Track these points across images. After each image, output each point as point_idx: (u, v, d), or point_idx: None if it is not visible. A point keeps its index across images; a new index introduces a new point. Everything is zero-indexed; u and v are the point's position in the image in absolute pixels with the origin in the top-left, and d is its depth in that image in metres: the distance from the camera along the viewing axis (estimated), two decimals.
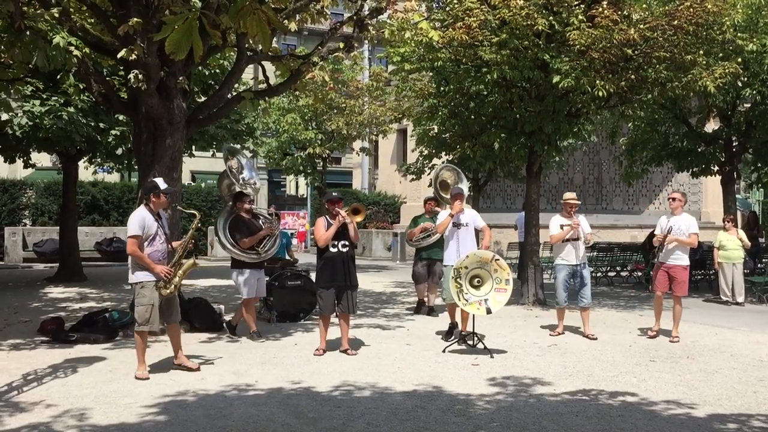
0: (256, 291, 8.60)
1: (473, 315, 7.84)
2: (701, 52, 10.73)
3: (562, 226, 8.81)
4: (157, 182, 6.74)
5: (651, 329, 8.93)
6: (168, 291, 6.51)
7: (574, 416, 5.34)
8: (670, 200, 8.98)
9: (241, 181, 9.03)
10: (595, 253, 15.62)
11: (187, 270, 6.68)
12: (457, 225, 8.31)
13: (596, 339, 8.59)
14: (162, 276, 6.44)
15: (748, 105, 14.26)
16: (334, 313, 7.73)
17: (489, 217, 21.71)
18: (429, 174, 16.26)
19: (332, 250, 7.57)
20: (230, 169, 9.00)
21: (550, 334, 8.79)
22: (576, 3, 10.35)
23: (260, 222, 8.83)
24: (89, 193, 23.20)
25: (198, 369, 6.68)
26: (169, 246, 6.68)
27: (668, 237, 8.66)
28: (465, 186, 9.97)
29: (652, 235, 15.95)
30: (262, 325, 9.51)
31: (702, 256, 15.63)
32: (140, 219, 6.46)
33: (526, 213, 12.28)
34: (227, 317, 9.42)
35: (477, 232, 8.64)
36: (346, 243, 7.61)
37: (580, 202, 9.06)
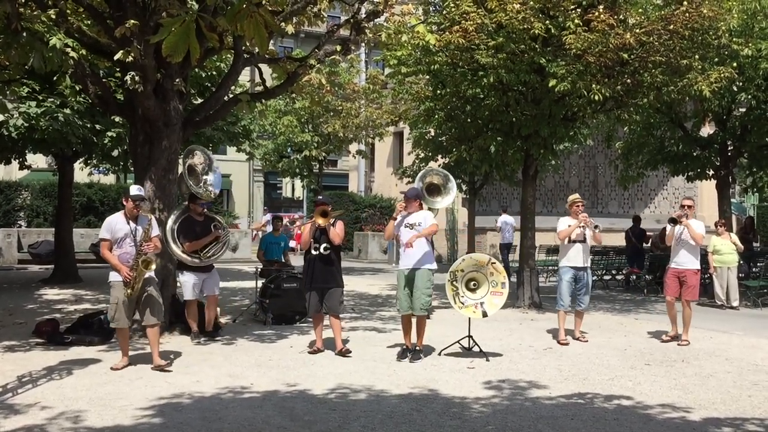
0: (207, 290, 8.52)
1: (469, 318, 7.85)
2: (697, 56, 10.77)
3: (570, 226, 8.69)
4: (130, 188, 7.07)
5: (666, 334, 8.92)
6: (128, 292, 6.75)
7: (570, 420, 5.34)
8: (687, 208, 8.86)
9: (202, 183, 8.66)
10: (590, 256, 15.62)
11: (140, 275, 6.76)
12: (408, 226, 7.62)
13: (587, 341, 8.58)
14: (123, 276, 6.73)
15: (744, 109, 14.32)
16: (321, 314, 7.81)
17: (485, 220, 21.91)
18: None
19: (313, 252, 7.71)
20: (190, 169, 8.64)
21: (559, 342, 8.52)
22: (572, 7, 10.37)
23: (212, 226, 8.54)
24: (85, 195, 23.18)
25: (169, 363, 6.81)
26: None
27: (684, 221, 8.65)
28: (453, 190, 9.67)
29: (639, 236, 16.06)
30: (257, 326, 9.52)
31: None
32: (107, 223, 6.95)
33: (522, 216, 12.26)
34: (222, 320, 9.45)
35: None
36: (328, 246, 7.69)
37: (584, 201, 8.92)
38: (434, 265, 7.62)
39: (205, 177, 8.77)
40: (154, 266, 6.88)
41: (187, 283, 8.42)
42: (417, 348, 7.59)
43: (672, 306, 8.94)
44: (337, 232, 7.69)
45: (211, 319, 8.66)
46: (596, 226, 8.66)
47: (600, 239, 8.90)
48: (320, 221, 7.59)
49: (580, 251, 8.70)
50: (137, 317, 7.05)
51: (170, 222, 8.45)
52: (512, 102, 11.01)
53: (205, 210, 8.67)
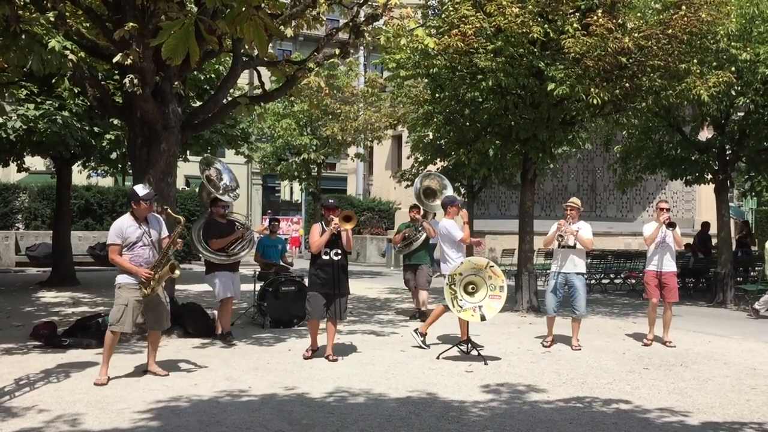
0: (231, 291, 8.75)
1: (467, 322, 7.84)
2: (695, 61, 10.78)
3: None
4: (136, 190, 6.70)
5: (646, 338, 8.93)
6: (145, 292, 6.50)
7: (568, 424, 5.34)
8: (665, 210, 8.89)
9: (222, 188, 9.11)
10: (589, 260, 15.61)
11: (163, 276, 6.61)
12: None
13: (580, 349, 8.41)
14: (142, 278, 6.46)
15: (742, 114, 14.31)
16: (323, 319, 7.76)
17: (483, 224, 21.91)
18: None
19: (324, 257, 7.60)
20: (208, 179, 9.06)
21: (543, 344, 8.63)
22: (571, 11, 10.39)
23: (235, 227, 9.00)
24: (83, 198, 23.13)
25: (167, 375, 6.66)
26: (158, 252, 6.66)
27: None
28: (450, 190, 9.86)
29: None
30: (255, 330, 9.51)
31: (696, 266, 15.76)
32: (118, 228, 6.55)
33: (521, 220, 12.25)
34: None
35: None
36: (339, 251, 7.63)
37: (579, 207, 8.78)
38: None
39: (222, 182, 9.22)
40: (178, 272, 6.73)
41: (219, 283, 8.66)
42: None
43: (655, 308, 8.92)
44: (349, 237, 7.66)
45: (226, 323, 8.84)
46: (578, 229, 8.55)
47: (588, 244, 8.66)
48: (348, 226, 7.53)
49: (569, 256, 8.59)
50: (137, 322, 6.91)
51: (196, 226, 8.93)
52: (511, 106, 11.01)
53: (227, 213, 9.10)
